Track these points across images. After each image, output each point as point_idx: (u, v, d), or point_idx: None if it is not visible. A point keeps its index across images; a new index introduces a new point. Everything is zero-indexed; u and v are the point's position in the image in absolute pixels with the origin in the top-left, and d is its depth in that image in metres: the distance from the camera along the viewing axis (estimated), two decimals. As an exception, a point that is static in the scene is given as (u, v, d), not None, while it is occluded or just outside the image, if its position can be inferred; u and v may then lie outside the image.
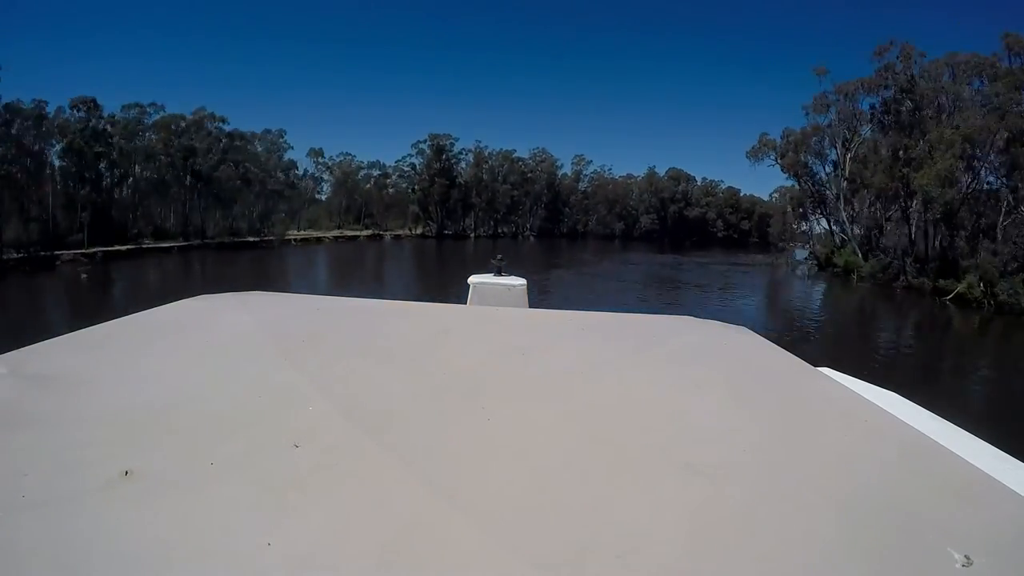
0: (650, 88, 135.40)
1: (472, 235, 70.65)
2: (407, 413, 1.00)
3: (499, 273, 3.98)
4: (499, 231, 75.58)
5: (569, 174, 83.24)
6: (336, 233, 59.10)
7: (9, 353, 1.14)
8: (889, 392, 1.29)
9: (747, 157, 45.33)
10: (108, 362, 1.18)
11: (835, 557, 0.68)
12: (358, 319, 1.69)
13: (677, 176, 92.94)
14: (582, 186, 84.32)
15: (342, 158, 67.34)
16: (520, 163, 76.55)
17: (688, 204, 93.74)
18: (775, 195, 54.88)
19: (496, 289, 3.69)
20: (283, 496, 0.74)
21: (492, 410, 1.02)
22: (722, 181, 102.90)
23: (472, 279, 3.78)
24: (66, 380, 1.05)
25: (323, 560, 0.63)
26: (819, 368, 1.41)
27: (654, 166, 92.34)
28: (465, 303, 3.57)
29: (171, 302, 1.64)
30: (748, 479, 0.85)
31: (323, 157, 65.26)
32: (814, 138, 40.19)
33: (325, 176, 64.93)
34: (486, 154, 73.88)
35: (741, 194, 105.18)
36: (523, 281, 3.76)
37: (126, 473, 0.75)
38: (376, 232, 62.48)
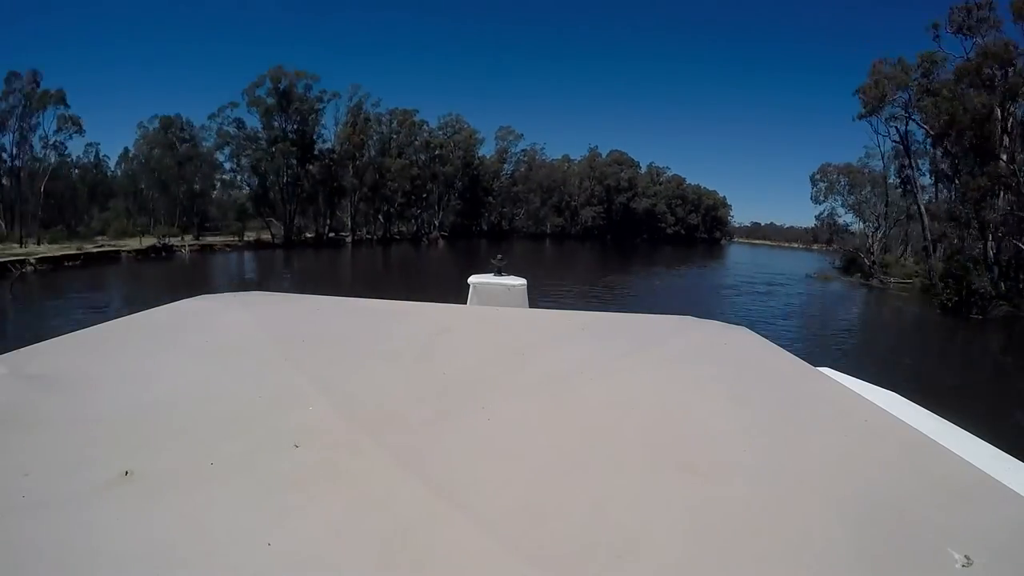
0: (575, 57, 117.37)
1: (349, 239, 46.78)
2: (407, 413, 1.00)
3: (499, 273, 4.10)
4: (392, 232, 52.57)
5: (492, 154, 61.86)
6: (97, 247, 30.71)
7: (9, 353, 1.14)
8: (889, 392, 1.34)
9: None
10: (108, 362, 1.18)
11: (835, 557, 0.68)
12: (358, 319, 1.68)
13: (621, 160, 75.11)
14: (508, 169, 63.46)
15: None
16: (424, 130, 54.04)
17: (636, 194, 76.20)
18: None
19: (496, 289, 3.82)
20: (283, 496, 0.74)
21: (492, 410, 1.02)
22: (668, 168, 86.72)
23: (472, 279, 3.91)
24: (66, 380, 1.05)
25: (323, 560, 0.64)
26: (819, 368, 1.42)
27: (595, 146, 73.56)
28: (465, 303, 3.66)
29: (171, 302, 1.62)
30: (748, 479, 0.85)
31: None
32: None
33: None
34: (372, 114, 48.93)
35: (686, 183, 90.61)
36: (523, 281, 3.90)
37: (126, 473, 0.75)
38: (164, 243, 33.96)
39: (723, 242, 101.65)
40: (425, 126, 53.24)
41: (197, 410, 0.97)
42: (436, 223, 55.37)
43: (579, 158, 71.99)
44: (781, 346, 1.55)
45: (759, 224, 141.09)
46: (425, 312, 1.80)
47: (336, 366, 1.23)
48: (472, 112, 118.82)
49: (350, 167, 46.69)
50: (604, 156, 73.30)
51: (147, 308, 1.54)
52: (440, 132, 55.70)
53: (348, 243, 45.41)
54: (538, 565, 0.64)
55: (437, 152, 54.33)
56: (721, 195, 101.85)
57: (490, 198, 59.15)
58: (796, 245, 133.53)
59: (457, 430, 0.95)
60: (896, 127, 32.24)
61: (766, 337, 1.62)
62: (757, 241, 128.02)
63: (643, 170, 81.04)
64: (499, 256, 4.35)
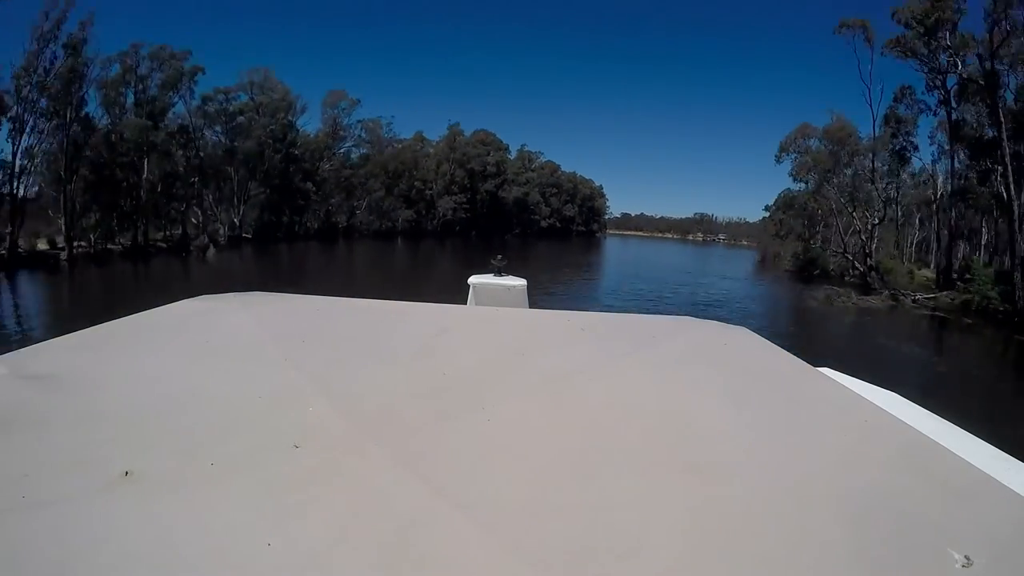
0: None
1: (63, 253, 27.16)
2: (407, 413, 1.00)
3: (499, 273, 3.99)
4: (145, 240, 31.54)
5: (319, 128, 46.64)
6: None
7: (9, 353, 1.14)
8: (889, 392, 1.34)
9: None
10: (108, 362, 1.18)
11: (835, 557, 0.68)
12: (358, 319, 1.68)
13: (487, 141, 63.59)
14: (344, 148, 48.46)
15: None
16: (199, 78, 35.84)
17: (505, 181, 65.28)
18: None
19: (496, 289, 3.77)
20: (283, 496, 0.74)
21: (492, 410, 1.02)
22: (541, 153, 77.13)
23: (472, 279, 3.84)
24: (66, 380, 1.05)
25: (323, 560, 0.64)
26: (819, 368, 1.42)
27: (457, 123, 61.26)
28: (465, 303, 3.65)
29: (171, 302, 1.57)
30: (748, 479, 0.85)
31: None
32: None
33: None
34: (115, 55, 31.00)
35: (561, 171, 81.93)
36: (523, 281, 3.85)
37: (126, 473, 0.75)
38: None
39: (599, 235, 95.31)
40: (199, 75, 35.37)
41: (197, 410, 0.97)
42: (219, 221, 38.29)
43: (438, 139, 59.24)
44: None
45: (629, 215, 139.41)
46: (425, 312, 1.81)
47: (336, 366, 1.23)
48: (300, 78, 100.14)
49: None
50: (468, 136, 61.34)
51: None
52: (237, 88, 39.28)
53: (62, 259, 26.77)
54: (538, 565, 0.64)
55: (230, 110, 38.05)
56: (597, 184, 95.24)
57: (313, 185, 43.95)
58: (671, 236, 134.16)
59: (457, 430, 0.95)
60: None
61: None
62: (628, 232, 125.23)
63: (513, 155, 70.52)
64: (499, 256, 4.18)
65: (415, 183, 52.46)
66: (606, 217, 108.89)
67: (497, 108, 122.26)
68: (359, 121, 47.76)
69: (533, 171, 72.00)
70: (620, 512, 0.75)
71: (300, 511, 0.71)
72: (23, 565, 0.60)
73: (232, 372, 1.15)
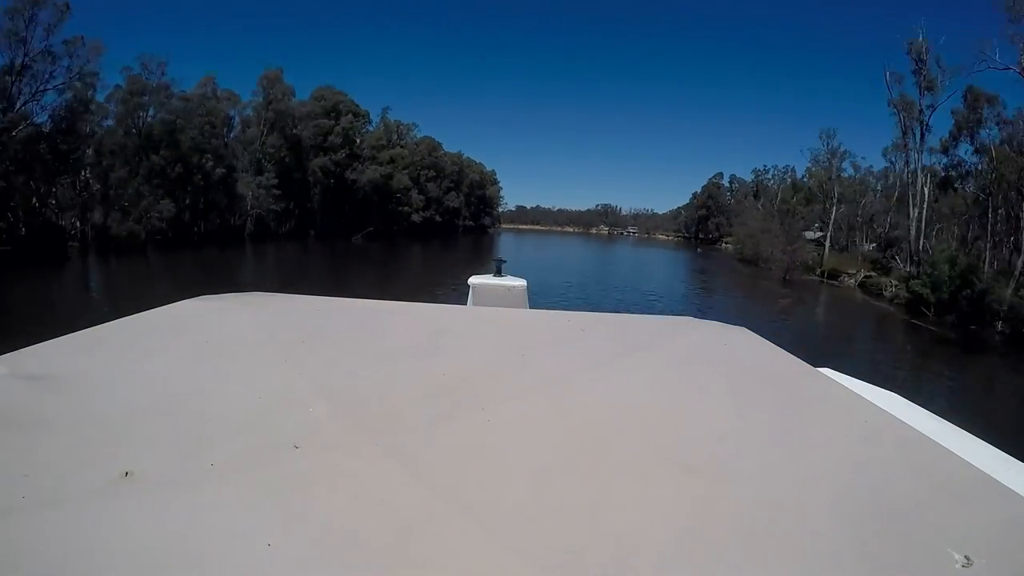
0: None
1: None
2: (407, 414, 1.00)
3: (499, 273, 4.03)
4: None
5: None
6: None
7: (9, 353, 1.13)
8: (889, 392, 1.35)
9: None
10: (108, 362, 1.18)
11: (835, 557, 0.69)
12: (358, 319, 1.68)
13: (331, 99, 45.46)
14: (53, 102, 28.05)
15: None
16: None
17: (356, 158, 47.58)
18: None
19: (496, 290, 3.78)
20: (283, 497, 0.74)
21: (492, 411, 1.02)
22: (415, 126, 59.83)
23: (472, 280, 3.86)
24: (66, 380, 1.06)
25: (323, 561, 0.64)
26: (819, 368, 1.42)
27: (279, 67, 42.25)
28: (465, 304, 3.68)
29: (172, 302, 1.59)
30: (748, 479, 0.86)
31: None
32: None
33: None
34: None
35: (443, 150, 65.05)
36: (523, 282, 3.86)
37: (126, 474, 0.75)
38: None
39: (491, 231, 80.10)
40: None
41: (197, 410, 0.97)
42: None
43: (246, 95, 40.06)
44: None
45: (524, 207, 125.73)
46: (425, 313, 1.80)
47: (336, 366, 1.23)
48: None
49: None
50: (299, 92, 42.84)
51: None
52: None
53: None
54: (538, 565, 0.65)
55: None
56: (489, 168, 79.62)
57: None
58: (571, 230, 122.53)
59: (457, 431, 0.95)
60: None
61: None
62: (524, 227, 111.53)
63: (376, 124, 52.65)
64: (499, 256, 4.23)
65: (198, 155, 33.22)
66: (500, 210, 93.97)
67: (358, 71, 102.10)
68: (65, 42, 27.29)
69: (403, 146, 54.63)
70: (620, 512, 0.75)
71: (300, 511, 0.71)
72: (23, 565, 0.60)
73: (232, 372, 1.15)
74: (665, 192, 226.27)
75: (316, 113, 42.98)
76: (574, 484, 0.82)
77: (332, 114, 44.47)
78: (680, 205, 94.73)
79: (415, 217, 53.34)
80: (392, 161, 50.70)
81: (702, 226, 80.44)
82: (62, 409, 0.93)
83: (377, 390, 1.10)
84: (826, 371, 1.41)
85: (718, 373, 1.31)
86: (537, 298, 4.39)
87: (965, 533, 0.72)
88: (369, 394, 1.08)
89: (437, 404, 1.03)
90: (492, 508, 0.75)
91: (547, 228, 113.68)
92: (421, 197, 54.29)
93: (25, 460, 0.77)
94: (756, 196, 61.62)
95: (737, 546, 0.70)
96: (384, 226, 47.31)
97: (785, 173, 59.27)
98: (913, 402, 1.30)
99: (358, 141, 46.91)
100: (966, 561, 0.66)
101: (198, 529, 0.67)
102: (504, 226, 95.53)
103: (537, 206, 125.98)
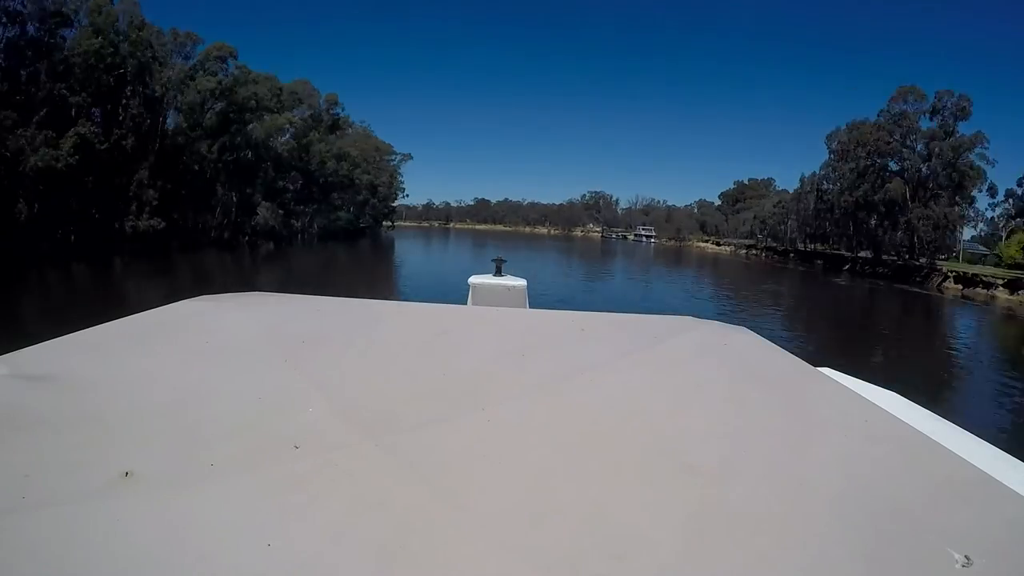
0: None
1: None
2: (407, 414, 1.01)
3: (499, 273, 4.05)
4: None
5: None
6: None
7: (9, 353, 1.14)
8: (889, 392, 1.35)
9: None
10: (108, 362, 1.18)
11: (835, 557, 0.69)
12: (358, 319, 1.68)
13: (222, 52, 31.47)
14: None
15: None
16: None
17: (243, 125, 33.67)
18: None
19: (496, 289, 3.82)
20: (283, 497, 0.75)
21: (492, 411, 1.03)
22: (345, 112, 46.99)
23: (472, 279, 3.88)
24: (66, 380, 1.06)
25: (323, 561, 0.64)
26: (819, 368, 1.42)
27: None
28: (465, 303, 3.68)
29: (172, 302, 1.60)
30: (748, 480, 0.86)
31: None
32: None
33: None
34: None
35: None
36: (523, 281, 3.90)
37: (126, 474, 0.76)
38: None
39: (383, 230, 68.50)
40: None
41: (197, 411, 0.98)
42: None
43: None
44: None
45: (488, 201, 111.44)
46: (425, 312, 1.82)
47: (336, 366, 1.24)
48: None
49: None
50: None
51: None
52: None
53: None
54: (538, 566, 0.65)
55: None
56: (388, 143, 67.05)
57: None
58: (546, 232, 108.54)
59: (457, 431, 0.96)
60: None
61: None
62: (482, 226, 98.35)
63: (271, 83, 37.52)
64: (499, 256, 4.25)
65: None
66: (398, 202, 75.73)
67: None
68: None
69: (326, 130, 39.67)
70: (620, 512, 0.76)
71: (300, 511, 0.72)
72: (23, 565, 0.60)
73: (232, 372, 1.16)
74: (676, 180, 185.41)
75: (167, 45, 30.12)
76: (574, 484, 0.82)
77: (218, 66, 31.52)
78: (722, 190, 60.88)
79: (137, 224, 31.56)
80: (309, 145, 35.74)
81: (836, 230, 45.68)
82: (62, 409, 0.94)
83: (377, 390, 1.11)
84: (826, 371, 1.42)
85: (718, 373, 1.32)
86: (537, 298, 4.48)
87: (965, 533, 0.73)
88: (369, 394, 1.08)
89: (437, 404, 1.04)
90: (492, 508, 0.75)
91: (513, 228, 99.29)
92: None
93: (25, 460, 0.78)
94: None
95: (737, 545, 0.70)
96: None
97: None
98: (914, 402, 1.31)
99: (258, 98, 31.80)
100: (966, 561, 0.66)
101: (198, 529, 0.67)
102: (460, 225, 79.75)
103: (505, 199, 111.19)
